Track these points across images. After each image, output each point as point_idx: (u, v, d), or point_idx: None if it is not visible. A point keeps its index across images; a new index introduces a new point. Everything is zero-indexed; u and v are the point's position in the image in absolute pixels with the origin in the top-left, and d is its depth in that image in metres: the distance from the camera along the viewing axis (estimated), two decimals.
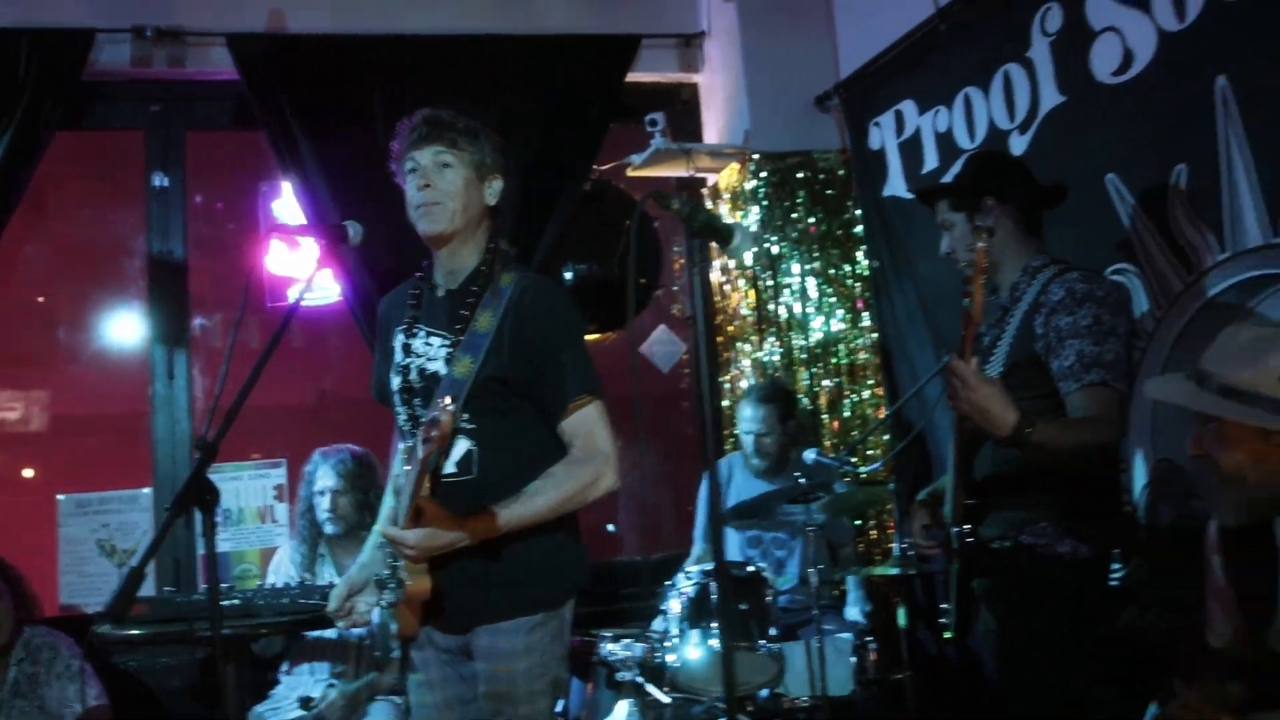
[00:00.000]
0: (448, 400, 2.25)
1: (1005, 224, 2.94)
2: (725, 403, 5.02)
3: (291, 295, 4.80)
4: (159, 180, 4.72)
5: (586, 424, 2.50)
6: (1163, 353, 3.28)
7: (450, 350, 2.54)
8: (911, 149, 4.40)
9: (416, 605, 2.51)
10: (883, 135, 4.57)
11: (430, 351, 2.58)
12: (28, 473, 6.37)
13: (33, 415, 6.29)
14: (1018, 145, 3.80)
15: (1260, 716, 2.31)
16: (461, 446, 2.49)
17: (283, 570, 4.15)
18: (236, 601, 3.58)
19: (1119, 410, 2.74)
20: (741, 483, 4.51)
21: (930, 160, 4.31)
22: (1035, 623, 2.83)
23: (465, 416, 2.48)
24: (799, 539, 4.38)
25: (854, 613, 4.27)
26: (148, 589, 4.55)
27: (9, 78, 4.31)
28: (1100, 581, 2.92)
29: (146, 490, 4.69)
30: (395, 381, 2.64)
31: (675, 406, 5.55)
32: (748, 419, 4.39)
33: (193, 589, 4.53)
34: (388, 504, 2.78)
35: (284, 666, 4.12)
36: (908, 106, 4.39)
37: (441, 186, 2.54)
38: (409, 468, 2.39)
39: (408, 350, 2.63)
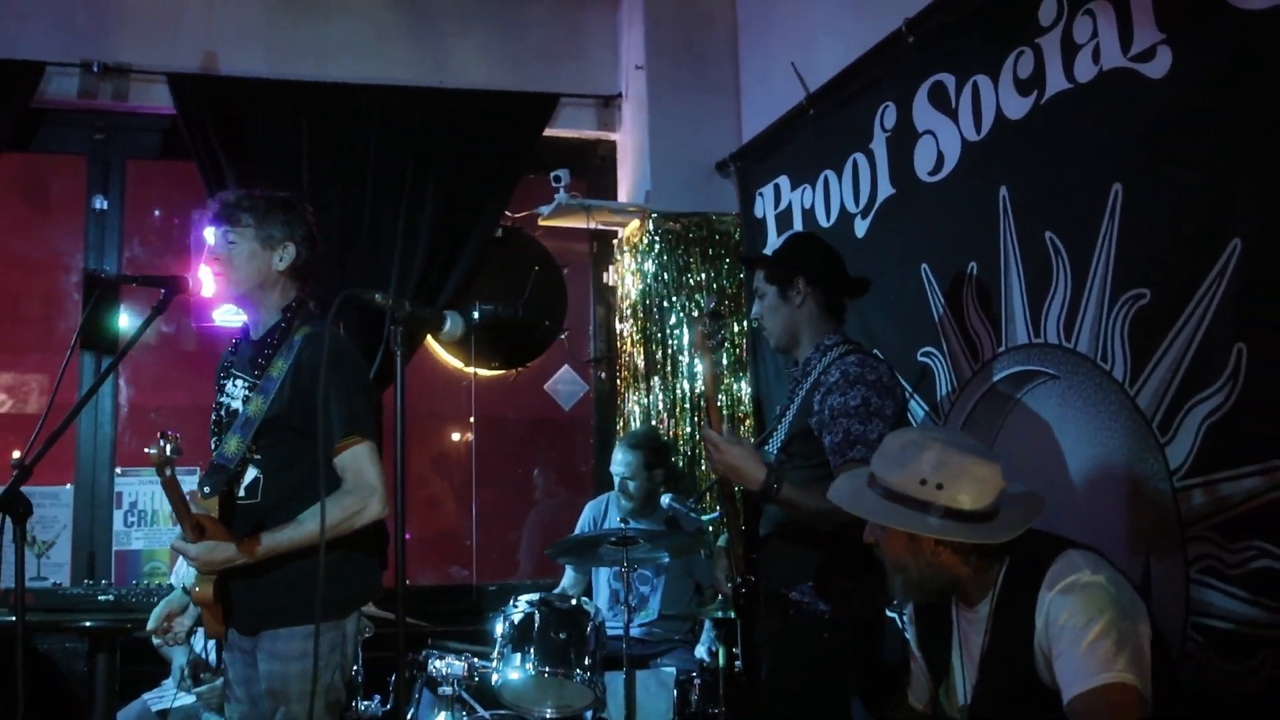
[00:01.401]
0: (159, 434, 2.56)
1: (809, 304, 3.23)
2: None
3: (217, 319, 5.16)
4: (99, 203, 5.09)
5: (355, 460, 2.83)
6: None
7: (248, 392, 2.90)
8: (784, 221, 4.68)
9: (212, 609, 2.84)
10: (764, 205, 4.86)
11: (235, 392, 2.96)
12: None
13: None
14: (860, 228, 4.08)
15: None
16: (251, 475, 2.86)
17: (183, 570, 4.47)
18: (111, 597, 3.90)
19: None
20: (614, 519, 4.83)
21: None
22: (801, 674, 3.08)
23: (255, 449, 2.84)
24: (663, 576, 4.70)
25: (701, 650, 4.56)
26: (63, 578, 4.96)
27: None
28: (865, 639, 3.16)
29: (68, 487, 5.04)
30: (212, 417, 3.02)
31: (583, 441, 5.85)
32: (617, 461, 4.70)
33: (107, 580, 4.86)
34: None
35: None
36: (783, 181, 4.68)
37: (223, 260, 2.92)
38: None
39: (221, 389, 3.00)
